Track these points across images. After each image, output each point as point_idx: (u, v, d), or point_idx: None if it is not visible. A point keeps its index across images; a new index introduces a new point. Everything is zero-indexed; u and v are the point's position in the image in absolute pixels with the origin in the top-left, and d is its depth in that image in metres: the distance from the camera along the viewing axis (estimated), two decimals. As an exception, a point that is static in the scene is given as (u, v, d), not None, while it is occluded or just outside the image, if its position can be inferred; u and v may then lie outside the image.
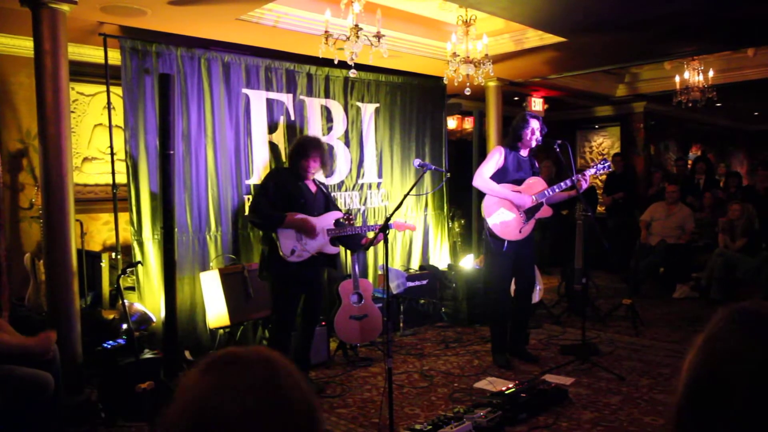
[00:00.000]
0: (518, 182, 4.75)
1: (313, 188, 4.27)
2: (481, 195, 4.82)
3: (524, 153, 4.83)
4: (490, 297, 4.94)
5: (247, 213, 5.18)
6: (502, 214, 4.68)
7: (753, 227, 7.03)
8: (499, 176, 4.72)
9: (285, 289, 4.07)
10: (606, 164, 4.88)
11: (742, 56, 7.92)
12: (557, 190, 4.73)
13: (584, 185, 4.67)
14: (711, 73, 7.36)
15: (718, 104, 9.28)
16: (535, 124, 4.71)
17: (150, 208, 4.77)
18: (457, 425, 3.27)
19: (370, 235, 4.40)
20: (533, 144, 4.75)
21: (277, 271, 4.06)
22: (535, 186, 4.76)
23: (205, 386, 0.82)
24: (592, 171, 4.77)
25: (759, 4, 4.74)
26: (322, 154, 4.32)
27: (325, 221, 4.22)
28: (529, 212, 4.72)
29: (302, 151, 4.21)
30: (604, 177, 9.50)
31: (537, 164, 5.00)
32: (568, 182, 4.67)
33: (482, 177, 4.70)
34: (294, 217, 4.06)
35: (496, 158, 4.75)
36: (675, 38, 5.76)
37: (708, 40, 5.98)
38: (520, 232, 4.70)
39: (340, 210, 4.48)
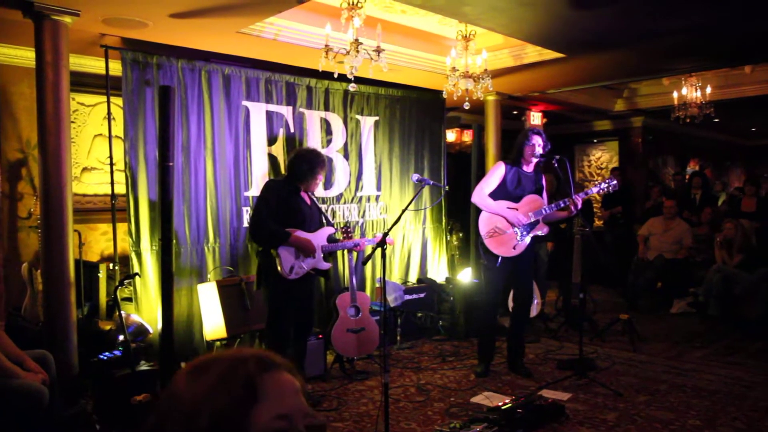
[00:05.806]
0: (516, 199, 4.76)
1: (308, 201, 4.29)
2: (479, 209, 4.84)
3: (528, 168, 4.83)
4: (479, 309, 4.97)
5: (246, 226, 5.19)
6: (497, 230, 4.69)
7: (750, 243, 7.04)
8: (498, 192, 4.75)
9: (281, 303, 4.08)
10: (612, 182, 4.74)
11: (740, 73, 7.98)
12: (555, 209, 4.72)
13: (579, 204, 4.65)
14: (709, 90, 7.42)
15: (716, 120, 9.32)
16: (537, 140, 4.74)
17: (148, 219, 4.78)
18: (454, 441, 3.26)
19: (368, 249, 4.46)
20: (534, 160, 4.77)
21: (275, 287, 4.06)
22: (532, 203, 4.76)
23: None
24: (595, 190, 4.73)
25: (756, 22, 4.78)
26: (325, 168, 4.42)
27: (319, 238, 4.26)
28: (525, 229, 4.73)
29: (313, 168, 4.22)
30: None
31: (544, 180, 4.95)
32: (567, 200, 4.68)
33: (480, 194, 4.76)
34: (298, 236, 4.07)
35: (496, 174, 4.80)
36: (673, 55, 5.80)
37: (706, 57, 6.02)
38: (513, 248, 4.71)
39: (332, 224, 4.53)
